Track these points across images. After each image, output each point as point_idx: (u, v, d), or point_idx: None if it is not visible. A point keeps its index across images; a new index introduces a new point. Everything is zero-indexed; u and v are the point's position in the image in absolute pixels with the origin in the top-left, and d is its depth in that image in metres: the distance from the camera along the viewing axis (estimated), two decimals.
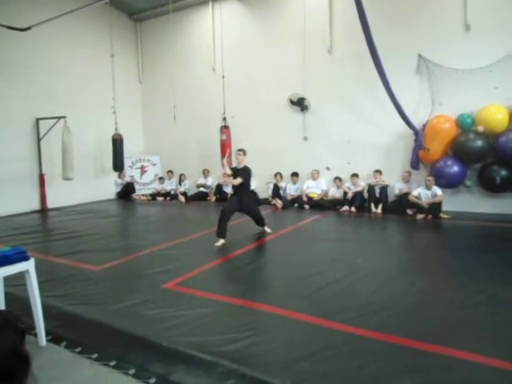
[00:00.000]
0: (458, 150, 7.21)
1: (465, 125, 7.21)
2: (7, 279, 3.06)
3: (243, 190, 5.84)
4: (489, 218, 6.90)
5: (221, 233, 5.50)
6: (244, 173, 5.78)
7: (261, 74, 9.75)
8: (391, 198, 8.06)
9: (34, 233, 6.54)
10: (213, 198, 10.14)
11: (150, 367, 2.51)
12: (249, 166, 5.95)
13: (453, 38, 7.48)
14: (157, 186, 11.19)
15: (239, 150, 5.94)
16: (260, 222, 6.14)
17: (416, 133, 7.58)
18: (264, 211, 8.29)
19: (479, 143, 7.00)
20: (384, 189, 8.03)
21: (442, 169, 7.33)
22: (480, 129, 7.01)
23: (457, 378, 2.25)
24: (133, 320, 3.09)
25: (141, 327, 2.94)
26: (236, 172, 5.86)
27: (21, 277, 2.87)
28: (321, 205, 8.45)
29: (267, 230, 6.15)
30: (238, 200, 5.80)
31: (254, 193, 6.18)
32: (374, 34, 6.05)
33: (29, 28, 7.74)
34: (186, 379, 2.36)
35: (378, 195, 7.98)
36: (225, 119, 9.15)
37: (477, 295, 3.44)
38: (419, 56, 7.76)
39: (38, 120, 9.05)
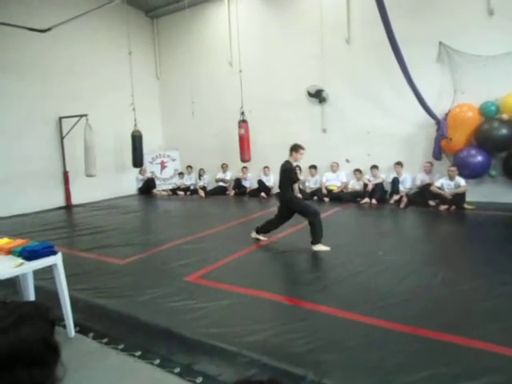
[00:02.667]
0: (482, 139, 7.02)
1: (489, 113, 7.01)
2: (36, 273, 3.18)
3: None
4: None
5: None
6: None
7: (278, 67, 9.69)
8: (404, 189, 7.94)
9: (59, 228, 6.74)
10: (232, 193, 10.19)
11: (174, 357, 2.57)
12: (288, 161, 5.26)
13: (475, 24, 7.24)
14: (177, 181, 11.32)
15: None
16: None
17: (438, 122, 7.41)
18: None
19: (504, 131, 6.78)
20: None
21: (466, 159, 7.15)
22: (505, 117, 6.79)
23: (480, 369, 2.22)
24: (157, 312, 3.16)
25: (165, 319, 3.01)
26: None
27: (49, 270, 2.97)
28: (341, 197, 8.38)
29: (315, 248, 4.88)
30: None
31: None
32: (392, 22, 5.91)
33: (49, 29, 7.92)
34: (209, 369, 2.42)
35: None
36: (243, 113, 9.16)
37: (501, 286, 3.37)
38: (440, 43, 7.55)
39: (60, 119, 9.28)
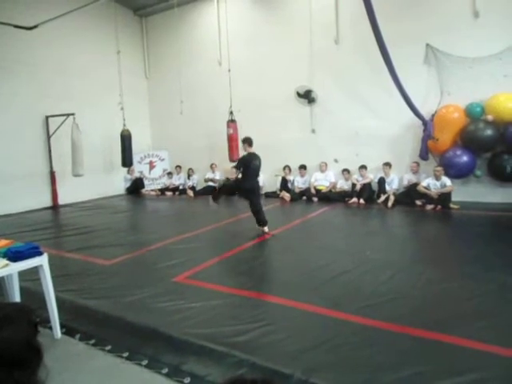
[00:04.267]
0: (468, 140, 7.13)
1: (474, 114, 7.12)
2: (22, 274, 3.13)
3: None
4: (499, 208, 6.82)
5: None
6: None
7: (267, 67, 9.70)
8: (391, 189, 8.02)
9: (46, 229, 6.65)
10: None
11: (162, 358, 2.56)
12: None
13: (461, 26, 7.36)
14: (165, 181, 11.27)
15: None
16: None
17: (425, 123, 7.50)
18: (272, 204, 8.35)
19: (489, 132, 6.90)
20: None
21: (452, 159, 7.26)
22: (489, 118, 6.91)
23: (466, 366, 2.26)
24: (144, 312, 3.14)
25: (152, 319, 2.99)
26: None
27: (35, 272, 2.93)
28: (329, 197, 8.44)
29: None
30: None
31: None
32: (380, 23, 5.97)
33: (35, 27, 7.78)
34: (197, 369, 2.41)
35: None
36: (231, 113, 9.16)
37: (487, 284, 3.43)
38: (427, 45, 7.66)
39: (47, 118, 9.15)
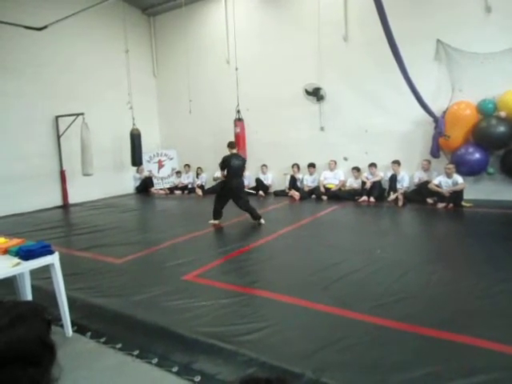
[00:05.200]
0: (480, 137, 7.03)
1: (486, 110, 7.01)
2: (33, 272, 3.16)
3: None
4: None
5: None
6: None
7: (275, 66, 9.67)
8: (401, 188, 7.94)
9: (57, 228, 6.71)
10: None
11: (172, 356, 2.56)
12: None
13: (473, 21, 7.24)
14: (174, 180, 11.30)
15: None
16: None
17: (436, 120, 7.41)
18: (281, 203, 8.32)
19: (502, 129, 6.79)
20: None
21: (464, 156, 7.16)
22: (502, 114, 6.80)
23: (478, 367, 2.22)
24: (154, 311, 3.15)
25: (162, 318, 2.99)
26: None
27: (46, 270, 2.96)
28: (338, 195, 8.38)
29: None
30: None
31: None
32: (390, 20, 5.91)
33: (45, 27, 7.85)
34: (207, 368, 2.41)
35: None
36: (239, 112, 9.14)
37: (500, 284, 3.37)
38: (438, 41, 7.56)
39: (57, 117, 9.23)
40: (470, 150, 7.13)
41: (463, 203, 6.91)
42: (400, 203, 7.44)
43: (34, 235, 5.70)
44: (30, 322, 0.81)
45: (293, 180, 9.22)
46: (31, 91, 8.76)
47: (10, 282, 3.20)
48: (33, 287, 3.31)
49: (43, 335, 0.82)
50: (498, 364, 2.24)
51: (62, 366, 0.83)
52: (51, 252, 2.90)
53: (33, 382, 0.76)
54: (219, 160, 10.63)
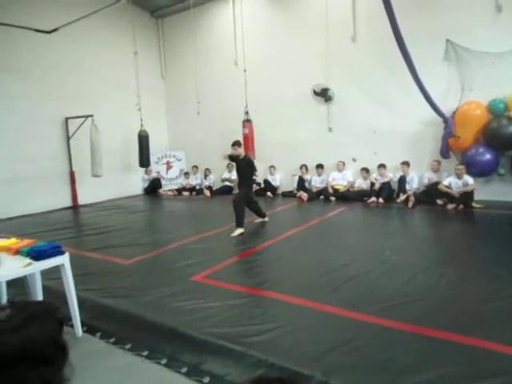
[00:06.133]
0: (491, 137, 6.94)
1: (497, 110, 6.93)
2: (44, 273, 3.20)
3: (240, 180, 6.22)
4: None
5: (240, 223, 5.81)
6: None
7: (283, 66, 9.66)
8: (411, 189, 7.88)
9: (66, 228, 6.77)
10: None
11: (181, 357, 2.57)
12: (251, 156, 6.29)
13: (483, 21, 7.16)
14: (182, 181, 11.35)
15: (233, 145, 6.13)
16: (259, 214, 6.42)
17: (446, 120, 7.34)
18: (290, 204, 8.31)
19: None
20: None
21: (474, 157, 7.08)
22: None
23: (489, 370, 2.20)
24: (163, 312, 3.16)
25: (171, 319, 3.01)
26: (239, 162, 6.17)
27: (57, 270, 2.99)
28: (347, 196, 8.34)
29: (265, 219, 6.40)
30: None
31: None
32: (399, 19, 5.87)
33: (55, 30, 7.94)
34: (216, 369, 2.41)
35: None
36: (247, 113, 9.15)
37: (510, 286, 3.33)
38: (447, 41, 7.48)
39: (66, 119, 9.33)
40: (481, 150, 7.05)
41: (473, 204, 6.83)
42: (410, 204, 7.38)
43: (44, 236, 5.75)
44: (43, 322, 0.81)
45: (301, 181, 9.20)
46: (40, 93, 8.85)
47: (22, 283, 3.24)
48: (43, 287, 3.34)
49: (56, 335, 0.83)
50: (508, 368, 2.21)
51: (73, 366, 0.84)
52: (62, 252, 2.92)
53: (44, 382, 0.77)
54: (227, 161, 10.68)
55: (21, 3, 8.37)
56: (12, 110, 8.36)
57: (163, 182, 11.28)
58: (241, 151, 6.14)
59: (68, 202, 9.42)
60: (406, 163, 7.95)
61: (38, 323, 0.80)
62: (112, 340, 2.87)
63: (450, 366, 2.25)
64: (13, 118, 8.37)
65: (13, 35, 8.10)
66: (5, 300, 3.26)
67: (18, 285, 3.31)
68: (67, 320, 2.98)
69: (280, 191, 9.67)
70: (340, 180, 8.80)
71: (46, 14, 8.49)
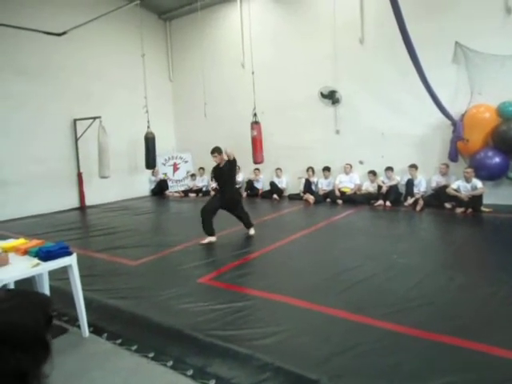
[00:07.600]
0: (500, 140, 6.88)
1: (507, 113, 6.86)
2: (52, 273, 3.21)
3: (225, 186, 5.74)
4: None
5: (207, 231, 5.48)
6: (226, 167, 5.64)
7: (291, 69, 9.66)
8: (419, 192, 7.81)
9: (74, 229, 6.82)
10: (244, 194, 10.18)
11: (187, 359, 2.57)
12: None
13: (492, 23, 7.11)
14: (189, 183, 11.38)
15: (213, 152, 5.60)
16: (245, 222, 5.88)
17: (454, 123, 7.29)
18: (296, 207, 8.29)
19: None
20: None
21: (483, 160, 7.01)
22: None
23: (499, 377, 2.16)
24: (170, 313, 3.16)
25: (178, 320, 3.01)
26: (219, 171, 5.71)
27: (64, 271, 3.00)
28: (354, 199, 8.30)
29: (251, 232, 5.84)
30: (219, 197, 5.78)
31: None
32: (407, 22, 5.84)
33: (64, 33, 8.03)
34: (222, 372, 2.40)
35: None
36: (255, 115, 9.15)
37: None
38: (456, 43, 7.44)
39: (75, 120, 9.41)
40: (490, 153, 6.98)
41: (482, 208, 6.76)
42: (418, 207, 7.32)
43: (52, 236, 5.80)
44: (30, 312, 0.83)
45: (308, 183, 9.18)
46: (49, 94, 8.95)
47: (30, 283, 3.26)
48: (51, 288, 3.37)
49: (38, 327, 0.84)
50: None
51: (53, 364, 0.84)
52: (69, 253, 2.94)
53: (19, 368, 0.77)
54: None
55: (33, 7, 8.48)
56: (21, 111, 8.45)
57: (170, 184, 11.32)
58: (222, 157, 5.62)
59: (76, 203, 9.49)
60: (413, 166, 7.89)
61: (24, 312, 0.82)
62: (118, 341, 2.87)
63: (458, 372, 2.22)
64: (22, 119, 8.46)
65: (24, 38, 8.20)
66: None
67: (25, 285, 3.32)
68: (74, 320, 2.99)
69: (286, 194, 9.66)
70: (347, 183, 8.76)
71: (57, 17, 8.58)
